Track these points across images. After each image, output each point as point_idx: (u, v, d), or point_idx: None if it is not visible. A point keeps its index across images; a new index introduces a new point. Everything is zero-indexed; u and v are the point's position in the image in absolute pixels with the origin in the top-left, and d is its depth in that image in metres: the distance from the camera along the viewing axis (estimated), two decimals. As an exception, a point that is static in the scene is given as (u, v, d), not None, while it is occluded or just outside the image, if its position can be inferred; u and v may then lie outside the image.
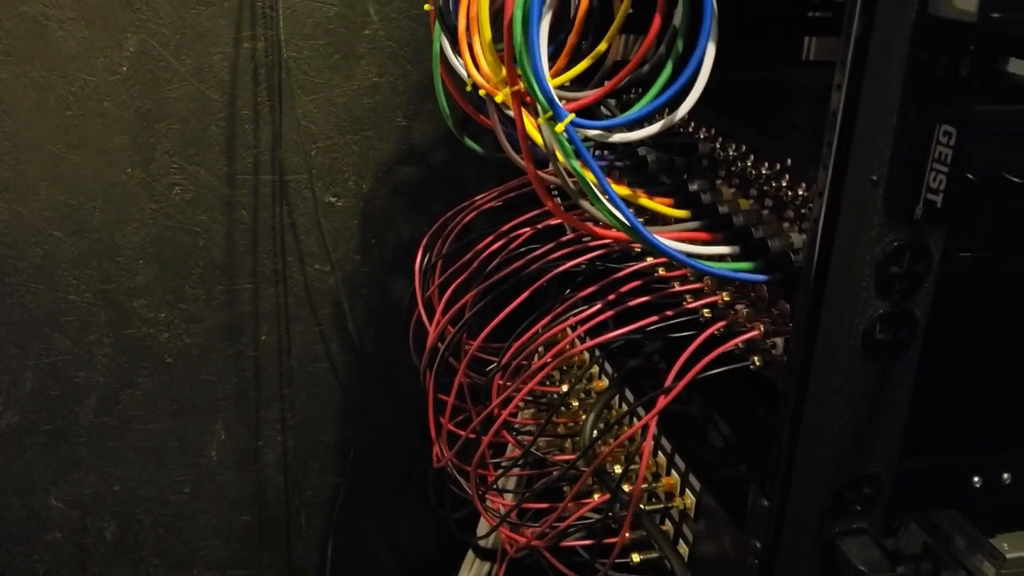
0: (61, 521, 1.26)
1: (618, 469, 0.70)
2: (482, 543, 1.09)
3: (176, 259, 1.17)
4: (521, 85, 0.63)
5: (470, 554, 1.17)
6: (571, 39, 0.69)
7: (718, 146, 0.72)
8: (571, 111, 0.60)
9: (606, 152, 0.86)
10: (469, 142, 0.90)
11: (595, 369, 0.87)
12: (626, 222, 0.60)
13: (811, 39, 0.98)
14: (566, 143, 0.61)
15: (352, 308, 1.24)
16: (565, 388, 0.85)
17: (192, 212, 1.15)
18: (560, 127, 0.59)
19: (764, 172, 0.66)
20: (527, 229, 0.80)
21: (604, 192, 0.61)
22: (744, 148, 0.69)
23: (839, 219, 0.50)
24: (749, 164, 0.67)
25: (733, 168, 0.70)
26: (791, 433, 0.55)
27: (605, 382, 0.85)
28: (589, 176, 0.61)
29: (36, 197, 1.11)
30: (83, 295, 1.16)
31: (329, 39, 1.12)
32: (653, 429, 0.62)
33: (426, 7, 0.80)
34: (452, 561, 1.19)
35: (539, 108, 0.61)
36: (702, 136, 0.75)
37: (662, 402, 0.59)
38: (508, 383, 0.73)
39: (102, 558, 1.29)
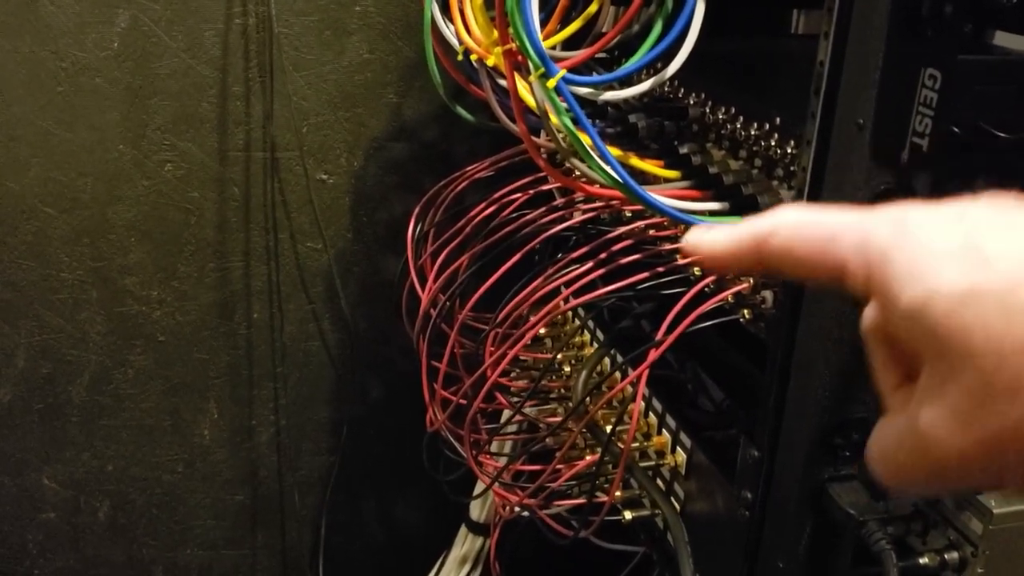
0: (54, 500, 1.26)
1: (609, 429, 0.71)
2: (474, 515, 1.10)
3: (168, 236, 1.17)
4: (512, 44, 0.63)
5: (462, 530, 1.17)
6: (562, 2, 0.69)
7: (707, 110, 0.73)
8: (562, 69, 0.61)
9: (597, 121, 0.86)
10: (461, 110, 0.91)
11: (587, 337, 0.88)
12: (618, 178, 0.61)
13: (800, 12, 0.99)
14: (558, 100, 0.61)
15: (344, 286, 1.25)
16: (560, 357, 0.86)
17: (184, 189, 1.15)
18: (551, 83, 0.60)
19: (753, 133, 0.66)
20: (519, 195, 0.81)
21: (596, 148, 0.61)
22: (733, 110, 0.69)
23: (827, 164, 0.51)
24: (738, 126, 0.68)
25: (723, 131, 0.71)
26: (780, 379, 0.55)
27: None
28: (582, 135, 0.62)
29: (27, 173, 1.11)
30: (75, 272, 1.16)
31: (320, 15, 1.12)
32: (644, 381, 0.63)
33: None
34: (446, 539, 1.20)
35: (531, 66, 0.61)
36: (692, 101, 0.75)
37: (653, 354, 0.60)
38: (499, 348, 0.74)
39: (95, 538, 1.29)
